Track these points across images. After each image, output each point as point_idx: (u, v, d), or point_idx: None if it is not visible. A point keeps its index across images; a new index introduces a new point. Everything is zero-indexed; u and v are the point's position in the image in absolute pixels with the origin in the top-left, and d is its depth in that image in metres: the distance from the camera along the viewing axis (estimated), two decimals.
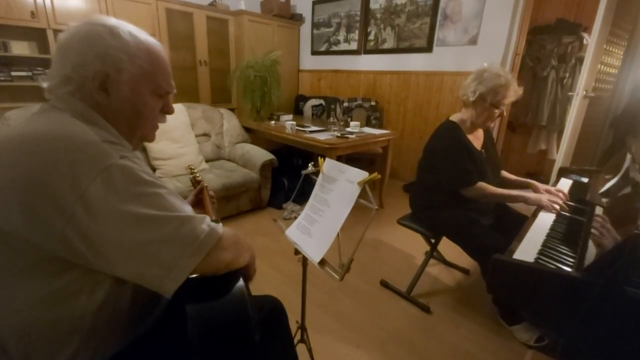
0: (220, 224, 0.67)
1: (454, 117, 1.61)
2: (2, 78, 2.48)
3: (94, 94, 0.62)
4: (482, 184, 1.50)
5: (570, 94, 2.98)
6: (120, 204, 0.53)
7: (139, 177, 0.57)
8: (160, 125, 0.77)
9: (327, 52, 4.13)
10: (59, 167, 0.52)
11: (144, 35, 0.67)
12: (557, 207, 1.38)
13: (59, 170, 0.51)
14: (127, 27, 0.65)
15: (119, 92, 0.64)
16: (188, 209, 0.62)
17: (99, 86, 0.62)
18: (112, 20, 0.65)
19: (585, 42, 3.19)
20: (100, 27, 0.63)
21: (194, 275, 0.64)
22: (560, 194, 1.48)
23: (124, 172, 0.55)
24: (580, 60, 3.14)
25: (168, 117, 0.77)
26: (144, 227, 0.55)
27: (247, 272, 0.74)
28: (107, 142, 0.58)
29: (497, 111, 1.48)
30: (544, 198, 1.43)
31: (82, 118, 0.61)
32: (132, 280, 0.58)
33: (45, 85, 0.64)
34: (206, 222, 0.62)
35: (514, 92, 1.46)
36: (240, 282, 0.66)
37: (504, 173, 1.75)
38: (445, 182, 1.57)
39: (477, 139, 1.63)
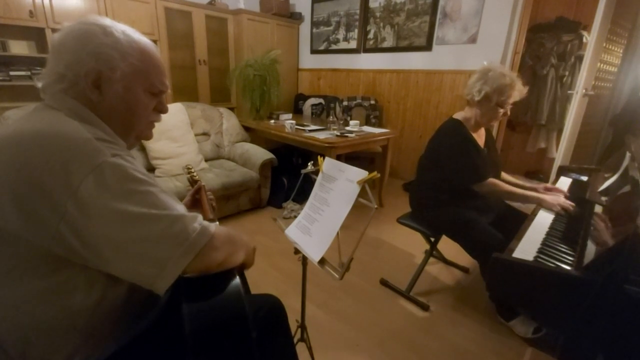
0: (217, 222, 0.67)
1: (458, 116, 1.61)
2: (0, 78, 2.47)
3: (87, 92, 0.63)
4: (494, 180, 1.50)
5: (569, 92, 2.98)
6: (112, 201, 0.53)
7: (130, 175, 0.57)
8: (160, 124, 0.77)
9: (327, 51, 4.13)
10: (52, 165, 0.52)
11: (137, 35, 0.68)
12: (570, 209, 1.37)
13: (52, 168, 0.52)
14: (120, 27, 0.66)
15: (111, 89, 0.64)
16: (180, 208, 0.62)
17: (92, 84, 0.63)
18: (106, 20, 0.66)
19: (584, 40, 3.19)
20: (94, 26, 0.64)
21: (189, 275, 0.64)
22: (562, 195, 1.48)
23: (116, 170, 0.55)
24: (580, 59, 3.14)
25: (167, 116, 0.77)
26: (135, 225, 0.55)
27: (243, 265, 0.74)
28: (101, 140, 0.59)
29: (501, 110, 1.48)
30: (559, 201, 1.41)
31: (76, 116, 0.61)
32: (125, 278, 0.58)
33: (39, 84, 0.64)
34: (198, 221, 0.62)
35: (519, 91, 1.47)
36: (237, 280, 0.66)
37: (503, 175, 1.75)
38: (455, 179, 1.56)
39: (479, 137, 1.63)
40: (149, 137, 0.76)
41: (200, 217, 0.63)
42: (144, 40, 0.69)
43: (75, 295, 0.59)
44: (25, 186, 0.52)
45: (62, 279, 0.57)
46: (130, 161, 0.60)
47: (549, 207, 1.43)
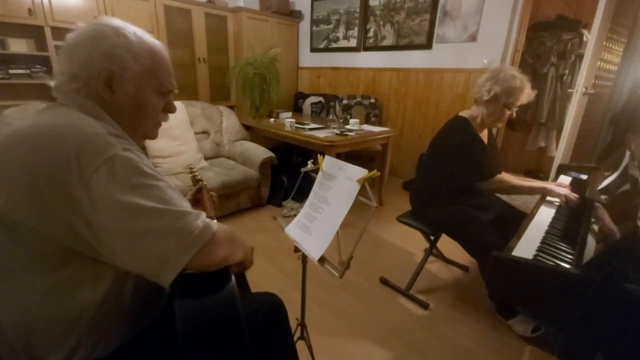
0: (215, 221, 0.68)
1: (464, 114, 1.60)
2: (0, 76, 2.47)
3: (99, 91, 0.65)
4: (502, 176, 1.51)
5: (569, 91, 2.98)
6: (120, 194, 0.55)
7: (140, 169, 0.58)
8: None
9: (326, 49, 4.12)
10: (66, 158, 0.54)
11: (147, 36, 0.71)
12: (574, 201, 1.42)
13: (66, 161, 0.53)
14: (132, 28, 0.69)
15: (123, 89, 0.67)
16: (186, 205, 0.63)
17: (104, 83, 0.65)
18: (117, 22, 0.68)
19: (585, 38, 3.19)
20: (107, 27, 0.66)
21: (190, 271, 0.64)
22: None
23: (126, 163, 0.57)
24: (580, 57, 3.14)
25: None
26: (141, 218, 0.56)
27: (241, 267, 0.75)
28: (113, 135, 0.60)
29: (508, 112, 1.49)
30: (564, 191, 1.45)
31: (88, 113, 0.63)
32: (132, 270, 0.59)
33: (52, 83, 0.66)
34: (201, 219, 0.63)
35: (527, 95, 1.48)
36: (232, 279, 0.66)
37: (503, 174, 1.74)
38: (462, 176, 1.55)
39: (483, 136, 1.63)
40: (154, 135, 0.78)
41: (203, 214, 0.64)
42: (154, 41, 0.72)
43: (82, 290, 0.60)
44: (40, 179, 0.53)
45: (69, 273, 0.58)
46: (140, 156, 0.62)
47: (555, 196, 1.46)
